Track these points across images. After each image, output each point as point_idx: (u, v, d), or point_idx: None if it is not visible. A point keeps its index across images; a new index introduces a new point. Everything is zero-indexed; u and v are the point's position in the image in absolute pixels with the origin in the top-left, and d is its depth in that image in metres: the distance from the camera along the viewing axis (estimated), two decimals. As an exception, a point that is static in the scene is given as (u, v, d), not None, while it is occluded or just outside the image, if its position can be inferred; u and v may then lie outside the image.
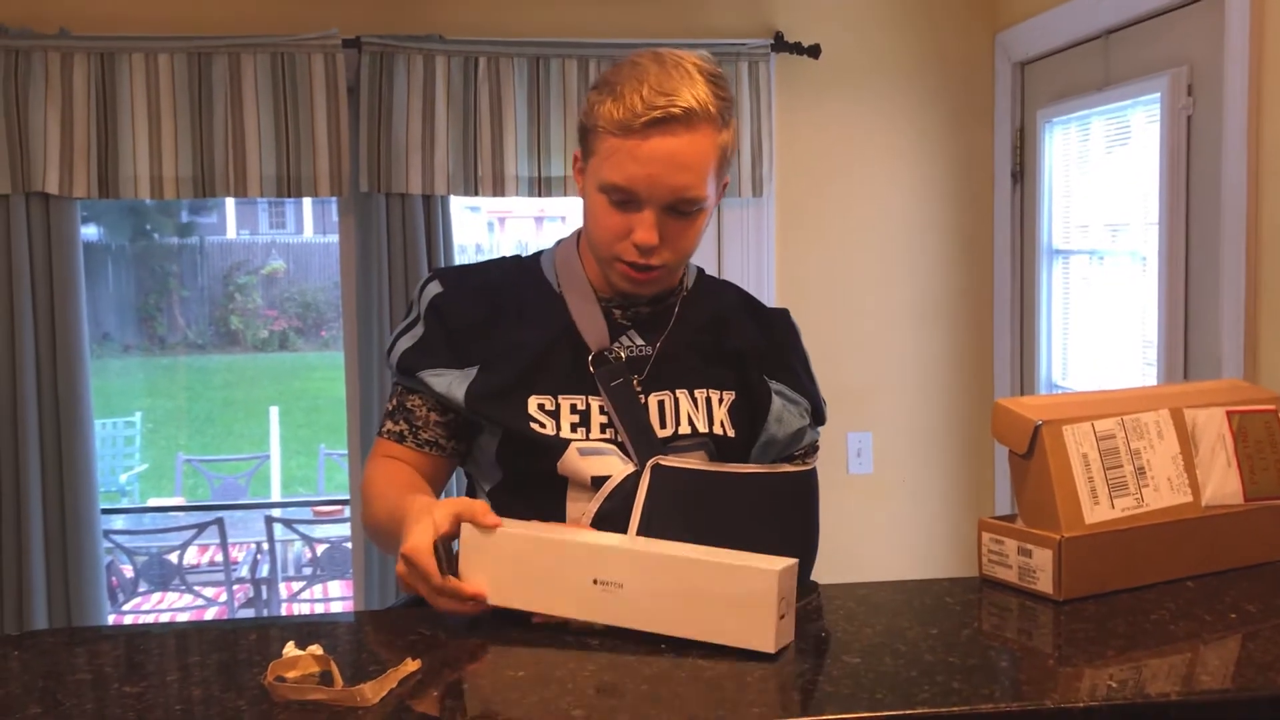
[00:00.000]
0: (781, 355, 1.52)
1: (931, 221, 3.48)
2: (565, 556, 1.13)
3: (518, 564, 1.15)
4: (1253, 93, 2.30)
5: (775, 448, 1.48)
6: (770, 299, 3.35)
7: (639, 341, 1.46)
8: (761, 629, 1.05)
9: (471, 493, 1.56)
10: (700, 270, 1.58)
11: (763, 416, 1.46)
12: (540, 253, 1.57)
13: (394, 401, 1.51)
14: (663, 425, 1.42)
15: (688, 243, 1.41)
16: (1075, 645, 1.10)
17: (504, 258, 1.59)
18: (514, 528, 1.18)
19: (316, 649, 1.03)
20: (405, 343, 1.49)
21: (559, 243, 1.55)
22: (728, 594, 1.06)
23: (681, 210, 1.37)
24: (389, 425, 1.50)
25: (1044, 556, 1.21)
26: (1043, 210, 3.21)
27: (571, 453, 1.39)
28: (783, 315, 1.58)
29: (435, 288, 1.50)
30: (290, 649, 1.04)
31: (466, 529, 1.18)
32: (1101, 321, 3.01)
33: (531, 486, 1.41)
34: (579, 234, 1.53)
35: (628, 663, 1.05)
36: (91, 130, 3.00)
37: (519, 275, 1.52)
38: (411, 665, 1.02)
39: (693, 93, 1.32)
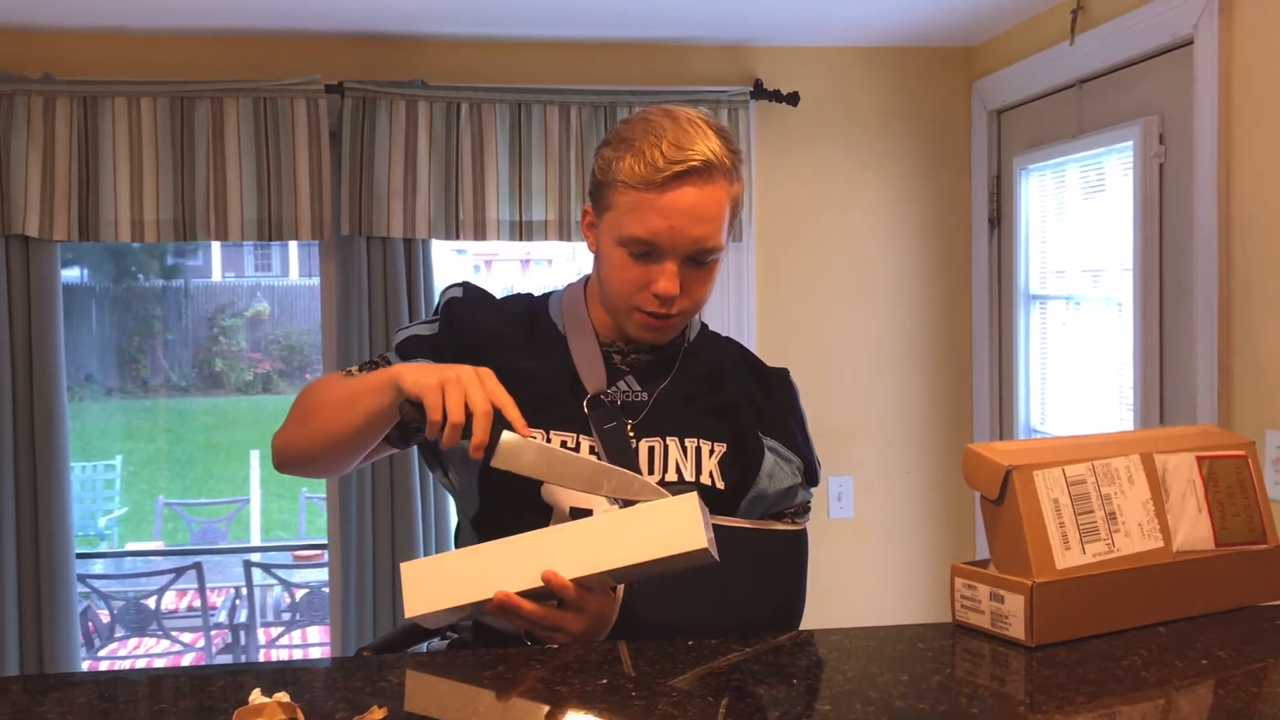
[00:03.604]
0: (778, 414, 1.53)
1: (910, 267, 3.50)
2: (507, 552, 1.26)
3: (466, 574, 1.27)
4: (1222, 141, 2.34)
5: (764, 503, 1.48)
6: (750, 344, 3.36)
7: (636, 387, 1.48)
8: (694, 535, 1.21)
9: (459, 525, 1.57)
10: (704, 325, 1.61)
11: (754, 471, 1.47)
12: (550, 293, 1.59)
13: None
14: (650, 471, 1.42)
15: (703, 292, 1.44)
16: (1046, 692, 1.09)
17: (519, 294, 1.62)
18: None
19: (283, 696, 1.02)
20: (416, 330, 1.52)
21: (567, 286, 1.58)
22: (660, 521, 1.23)
23: (699, 260, 1.41)
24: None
25: (1016, 602, 1.20)
26: (1020, 256, 3.24)
27: None
28: (783, 375, 1.59)
29: (456, 292, 1.55)
30: (256, 696, 1.02)
31: (406, 569, 1.28)
32: (1079, 366, 3.02)
33: (512, 515, 1.41)
34: (586, 280, 1.56)
35: (597, 711, 1.04)
36: (73, 173, 3.01)
37: (529, 311, 1.56)
38: (378, 713, 1.01)
39: (708, 146, 1.37)
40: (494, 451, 1.27)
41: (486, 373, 1.28)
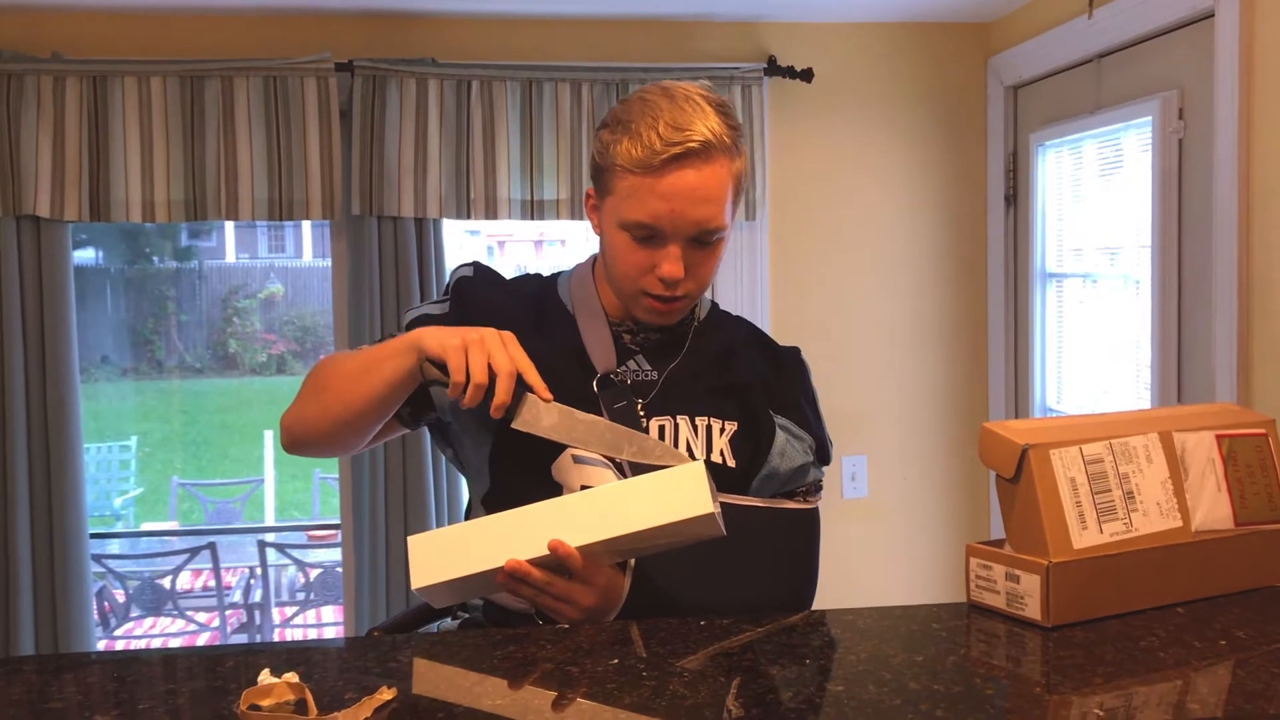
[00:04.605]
0: (789, 392, 1.52)
1: (925, 245, 3.47)
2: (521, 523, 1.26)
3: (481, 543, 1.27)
4: (1243, 116, 2.30)
5: (776, 481, 1.47)
6: (764, 322, 3.34)
7: (646, 366, 1.47)
8: (700, 500, 1.21)
9: (469, 504, 1.56)
10: (714, 304, 1.60)
11: (766, 449, 1.46)
12: (558, 274, 1.58)
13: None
14: None
15: (708, 272, 1.43)
16: (1062, 673, 1.08)
17: (528, 274, 1.62)
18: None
19: (292, 676, 1.02)
20: (426, 310, 1.51)
21: (576, 266, 1.57)
22: (667, 489, 1.23)
23: (703, 241, 1.39)
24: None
25: (1032, 582, 1.19)
26: (1036, 233, 3.21)
27: (565, 458, 1.40)
28: (793, 353, 1.58)
29: (467, 271, 1.54)
30: (265, 676, 1.02)
31: (413, 541, 1.27)
32: (1096, 345, 3.00)
33: (522, 493, 1.40)
34: (594, 260, 1.54)
35: (607, 691, 1.03)
36: (83, 153, 3.00)
37: (538, 291, 1.55)
38: (387, 694, 1.00)
39: (706, 125, 1.34)
40: (515, 413, 1.29)
41: (509, 336, 1.30)
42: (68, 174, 2.99)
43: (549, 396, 1.30)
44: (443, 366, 1.28)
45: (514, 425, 1.30)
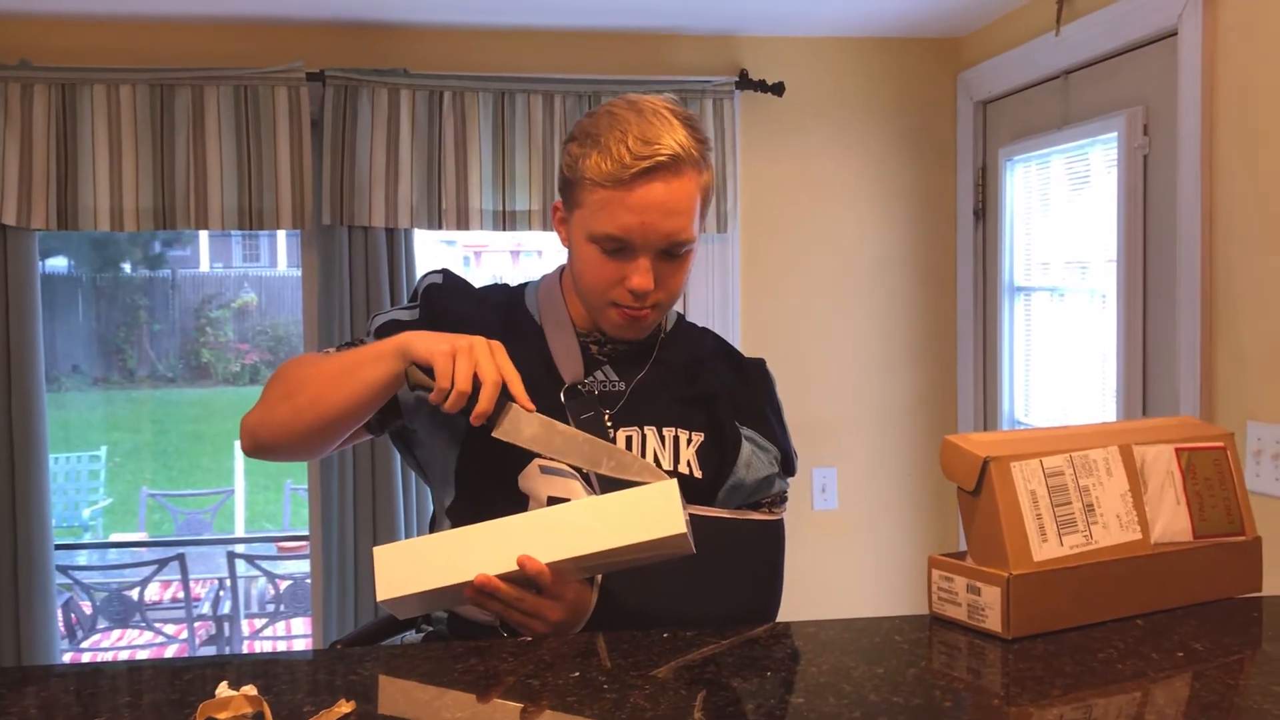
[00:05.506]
0: (755, 403, 1.52)
1: (895, 258, 3.49)
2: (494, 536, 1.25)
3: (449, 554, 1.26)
4: (1205, 132, 2.33)
5: (742, 493, 1.47)
6: (735, 335, 3.35)
7: (613, 377, 1.47)
8: (673, 520, 1.21)
9: (434, 514, 1.55)
10: (680, 315, 1.61)
11: (732, 460, 1.46)
12: (526, 284, 1.58)
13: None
14: None
15: (678, 283, 1.44)
16: (1022, 685, 1.09)
17: (496, 284, 1.61)
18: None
19: (250, 689, 1.01)
20: (395, 315, 1.51)
21: (544, 277, 1.57)
22: (639, 507, 1.22)
23: (672, 253, 1.40)
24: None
25: (992, 594, 1.20)
26: (1004, 247, 3.24)
27: (533, 468, 1.39)
28: (759, 365, 1.59)
29: (436, 279, 1.54)
30: (223, 689, 1.01)
31: (379, 552, 1.26)
32: (1063, 358, 3.02)
33: (488, 503, 1.39)
34: (561, 270, 1.55)
35: (568, 704, 1.03)
36: (51, 161, 2.98)
37: (507, 301, 1.55)
38: (345, 707, 1.00)
39: (674, 139, 1.35)
40: (497, 422, 1.29)
41: (498, 345, 1.30)
42: (35, 182, 2.97)
43: (532, 407, 1.30)
44: (428, 371, 1.28)
45: (495, 434, 1.30)
